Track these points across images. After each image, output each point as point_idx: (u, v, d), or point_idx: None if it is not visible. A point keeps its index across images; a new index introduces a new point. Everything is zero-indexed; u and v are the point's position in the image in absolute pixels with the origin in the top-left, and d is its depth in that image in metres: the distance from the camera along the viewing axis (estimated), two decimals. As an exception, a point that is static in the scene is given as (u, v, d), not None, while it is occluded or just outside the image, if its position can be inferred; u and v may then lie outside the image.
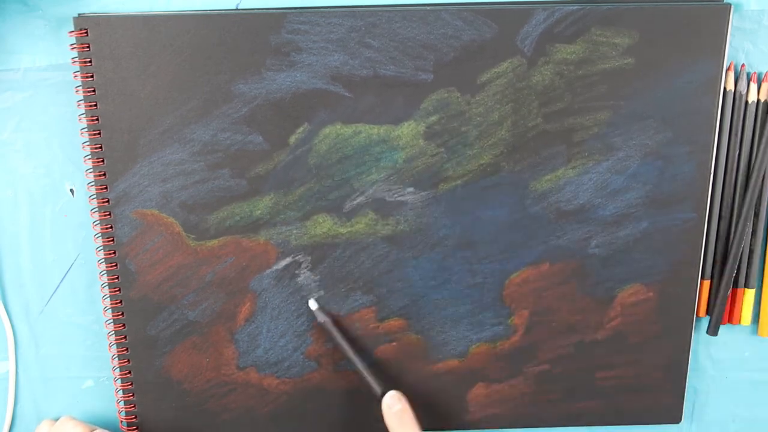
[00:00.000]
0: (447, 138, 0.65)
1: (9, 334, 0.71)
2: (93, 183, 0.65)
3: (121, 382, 0.69)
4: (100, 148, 0.64)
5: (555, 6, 0.62)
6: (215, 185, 0.65)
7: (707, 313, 0.71)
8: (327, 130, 0.64)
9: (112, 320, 0.68)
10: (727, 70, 0.65)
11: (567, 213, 0.66)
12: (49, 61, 0.65)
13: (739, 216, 0.68)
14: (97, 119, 0.64)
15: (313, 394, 0.70)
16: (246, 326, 0.68)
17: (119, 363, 0.69)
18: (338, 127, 0.64)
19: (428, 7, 0.62)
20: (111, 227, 0.66)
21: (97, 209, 0.66)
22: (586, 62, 0.63)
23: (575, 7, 0.62)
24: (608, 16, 0.62)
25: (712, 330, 0.71)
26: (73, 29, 0.63)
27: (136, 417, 0.71)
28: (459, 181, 0.66)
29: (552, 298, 0.69)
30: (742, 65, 0.65)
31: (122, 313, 0.68)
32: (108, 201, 0.65)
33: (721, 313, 0.70)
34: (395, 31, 0.63)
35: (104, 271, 0.67)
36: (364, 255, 0.67)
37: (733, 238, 0.68)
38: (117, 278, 0.67)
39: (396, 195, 0.66)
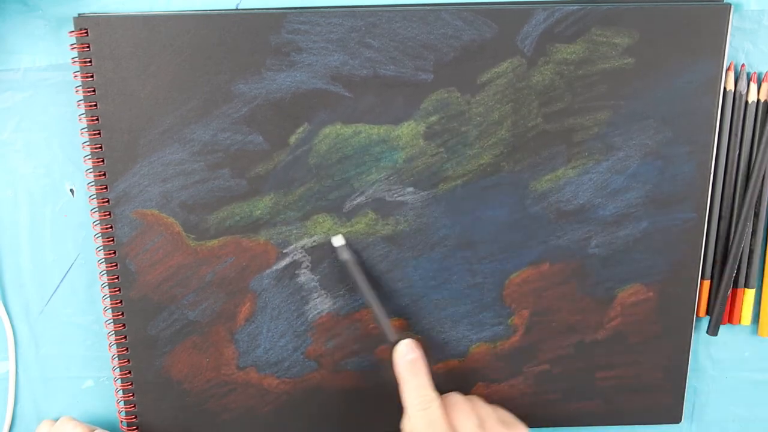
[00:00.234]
0: (447, 138, 0.65)
1: (9, 334, 0.71)
2: (93, 183, 0.65)
3: (121, 382, 0.69)
4: (100, 148, 0.64)
5: (555, 6, 0.62)
6: (215, 185, 0.65)
7: (707, 313, 0.71)
8: (327, 130, 0.64)
9: (112, 320, 0.68)
10: (727, 70, 0.65)
11: (567, 213, 0.67)
12: (49, 61, 0.65)
13: (739, 216, 0.68)
14: (97, 119, 0.64)
15: (313, 394, 0.70)
16: (246, 326, 0.68)
17: (119, 363, 0.69)
18: (338, 127, 0.64)
19: (428, 7, 0.62)
20: (111, 227, 0.66)
21: (97, 209, 0.66)
22: (586, 62, 0.63)
23: (575, 7, 0.62)
24: (608, 16, 0.62)
25: (712, 330, 0.71)
26: (73, 29, 0.63)
27: (136, 417, 0.71)
28: (459, 181, 0.66)
29: (552, 298, 0.69)
30: (742, 65, 0.65)
31: (122, 313, 0.68)
32: (108, 201, 0.65)
33: (721, 313, 0.70)
34: (395, 31, 0.63)
35: (104, 271, 0.67)
36: (364, 255, 0.67)
37: (733, 238, 0.68)
38: (117, 278, 0.67)
39: (396, 195, 0.66)
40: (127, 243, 0.66)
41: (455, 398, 0.65)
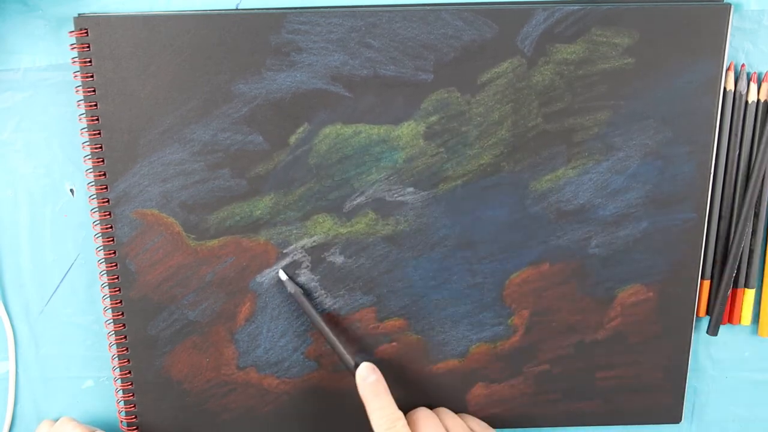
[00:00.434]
0: (447, 138, 0.65)
1: (9, 334, 0.71)
2: (93, 183, 0.65)
3: (121, 382, 0.69)
4: (100, 148, 0.64)
5: (555, 6, 0.62)
6: (215, 185, 0.65)
7: (707, 313, 0.71)
8: (327, 130, 0.64)
9: (112, 320, 0.68)
10: (727, 70, 0.65)
11: (567, 213, 0.67)
12: (49, 61, 0.65)
13: (739, 216, 0.68)
14: (97, 119, 0.64)
15: (313, 394, 0.70)
16: (246, 326, 0.68)
17: (119, 363, 0.69)
18: (338, 127, 0.64)
19: (428, 7, 0.62)
20: (111, 227, 0.66)
21: (97, 209, 0.66)
22: (586, 62, 0.63)
23: (575, 7, 0.62)
24: (608, 16, 0.62)
25: (712, 330, 0.71)
26: (73, 29, 0.63)
27: (136, 417, 0.71)
28: (459, 181, 0.66)
29: (552, 298, 0.69)
30: (742, 65, 0.65)
31: (122, 313, 0.68)
32: (108, 201, 0.65)
33: (721, 313, 0.70)
34: (395, 31, 0.63)
35: (104, 271, 0.67)
36: (364, 255, 0.67)
37: (733, 238, 0.68)
38: (117, 278, 0.67)
39: (396, 195, 0.66)
40: (127, 243, 0.66)
41: (421, 413, 0.66)
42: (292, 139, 0.64)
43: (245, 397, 0.70)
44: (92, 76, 0.63)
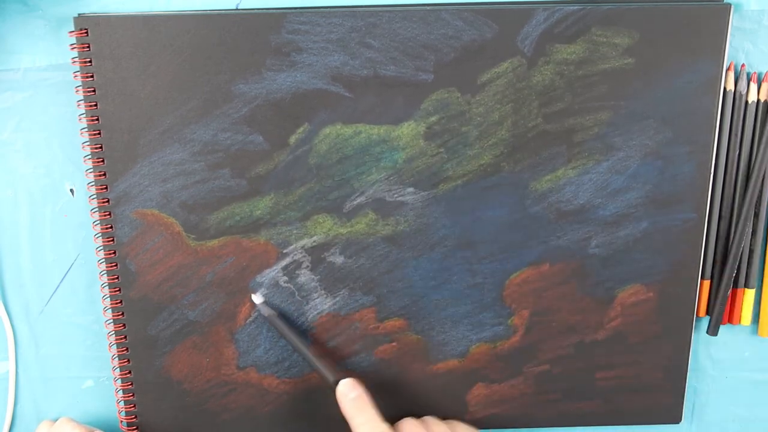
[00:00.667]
0: (447, 138, 0.65)
1: (9, 334, 0.71)
2: (93, 183, 0.65)
3: (121, 382, 0.69)
4: (100, 148, 0.64)
5: (555, 6, 0.62)
6: (215, 185, 0.65)
7: (707, 313, 0.71)
8: (327, 130, 0.64)
9: (112, 320, 0.68)
10: (727, 70, 0.65)
11: (567, 213, 0.67)
12: (49, 61, 0.65)
13: (739, 216, 0.68)
14: (97, 119, 0.64)
15: (313, 394, 0.70)
16: (246, 326, 0.68)
17: (119, 363, 0.69)
18: (338, 127, 0.64)
19: (428, 8, 0.62)
20: (111, 227, 0.66)
21: (97, 209, 0.66)
22: (587, 62, 0.63)
23: (575, 7, 0.62)
24: (608, 16, 0.62)
25: (712, 330, 0.71)
26: (73, 29, 0.63)
27: (136, 417, 0.71)
28: (459, 182, 0.66)
29: (552, 299, 0.69)
30: (742, 65, 0.65)
31: (122, 313, 0.68)
32: (108, 201, 0.65)
33: (721, 313, 0.70)
34: (395, 31, 0.63)
35: (104, 271, 0.67)
36: (364, 255, 0.67)
37: (733, 238, 0.68)
38: (117, 278, 0.67)
39: (396, 195, 0.66)
40: (128, 243, 0.66)
41: (408, 424, 0.66)
42: (293, 139, 0.64)
43: (245, 397, 0.70)
44: (92, 76, 0.63)
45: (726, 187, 0.68)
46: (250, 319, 0.68)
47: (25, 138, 0.67)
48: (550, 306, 0.69)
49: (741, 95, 0.65)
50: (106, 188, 0.65)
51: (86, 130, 0.64)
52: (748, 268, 0.70)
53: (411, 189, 0.66)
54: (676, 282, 0.68)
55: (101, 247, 0.67)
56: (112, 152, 0.64)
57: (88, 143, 0.64)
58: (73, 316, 0.70)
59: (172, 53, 0.63)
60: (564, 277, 0.68)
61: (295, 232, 0.66)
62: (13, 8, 0.65)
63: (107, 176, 0.65)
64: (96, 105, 0.64)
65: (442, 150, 0.65)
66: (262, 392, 0.70)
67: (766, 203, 0.68)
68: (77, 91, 0.64)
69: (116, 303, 0.68)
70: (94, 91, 0.63)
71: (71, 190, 0.68)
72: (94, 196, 0.65)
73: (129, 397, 0.70)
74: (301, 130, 0.64)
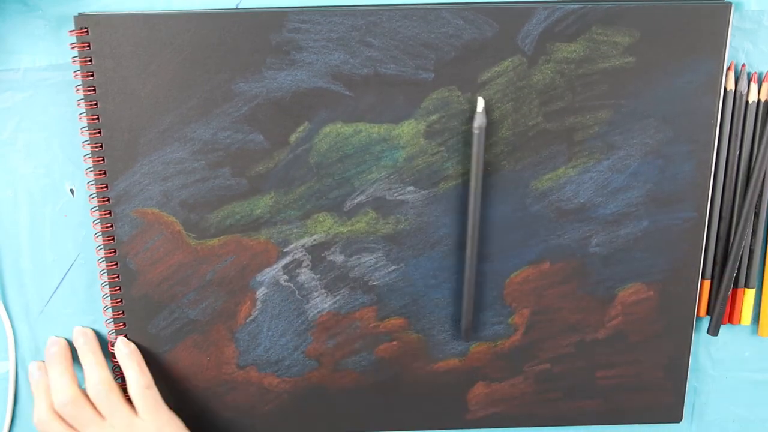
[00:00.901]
0: (447, 137, 0.65)
1: (9, 334, 0.71)
2: (93, 182, 0.65)
3: (121, 381, 0.69)
4: (101, 146, 0.64)
5: (556, 5, 0.62)
6: (216, 184, 0.65)
7: (707, 313, 0.71)
8: (327, 128, 0.64)
9: (112, 319, 0.68)
10: (728, 70, 0.65)
11: (567, 212, 0.67)
12: (49, 61, 0.65)
13: (739, 216, 0.68)
14: (98, 118, 0.64)
15: (313, 393, 0.70)
16: (246, 325, 0.68)
17: (120, 362, 0.69)
18: (339, 125, 0.64)
19: (429, 6, 0.62)
20: (111, 226, 0.66)
21: (97, 208, 0.65)
22: (587, 61, 0.63)
23: (576, 5, 0.62)
24: (609, 15, 0.62)
25: (713, 330, 0.71)
26: (73, 28, 0.63)
27: (136, 416, 0.71)
28: (459, 180, 0.65)
29: (552, 297, 0.69)
30: (743, 65, 0.66)
31: (122, 312, 0.68)
32: (108, 200, 0.65)
33: (722, 313, 0.70)
34: (396, 29, 0.63)
35: (104, 270, 0.67)
36: (364, 254, 0.67)
37: (734, 238, 0.68)
38: (117, 277, 0.67)
39: (396, 194, 0.66)
40: (128, 242, 0.66)
41: None
42: (293, 138, 0.64)
43: (246, 395, 0.70)
44: (92, 75, 0.63)
45: (726, 188, 0.68)
46: (251, 317, 0.68)
47: (25, 138, 0.67)
48: (551, 305, 0.69)
49: (741, 95, 0.66)
50: (107, 187, 0.65)
51: (86, 129, 0.64)
52: (748, 268, 0.70)
53: (411, 188, 0.66)
54: (676, 281, 0.68)
55: (101, 246, 0.67)
56: (112, 151, 0.64)
57: (88, 142, 0.64)
58: (73, 316, 0.70)
59: (172, 52, 0.63)
60: (564, 275, 0.68)
61: (295, 230, 0.66)
62: (13, 8, 0.64)
63: (107, 175, 0.65)
64: (96, 104, 0.64)
65: (442, 149, 0.65)
66: (263, 391, 0.70)
67: (766, 204, 0.68)
68: (77, 90, 0.64)
69: (116, 302, 0.68)
70: (94, 90, 0.63)
71: (71, 190, 0.68)
72: (94, 195, 0.65)
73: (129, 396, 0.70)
74: (301, 128, 0.64)
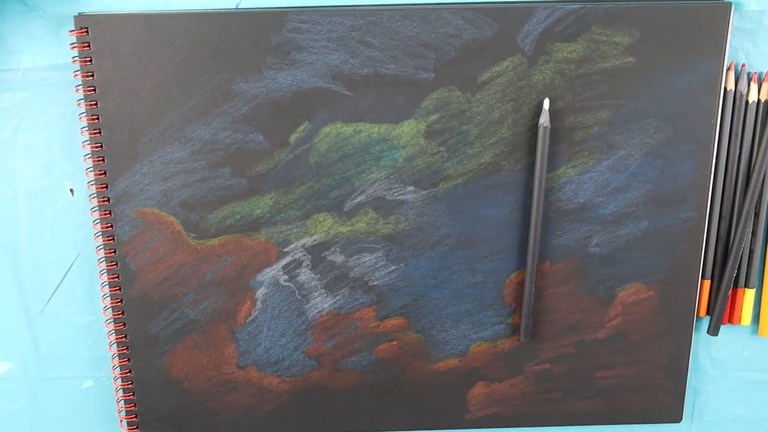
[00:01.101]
0: (447, 137, 0.65)
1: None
2: (93, 182, 0.65)
3: (122, 381, 0.69)
4: (101, 146, 0.64)
5: (556, 5, 0.62)
6: (216, 184, 0.65)
7: (708, 313, 0.71)
8: (327, 128, 0.64)
9: (112, 319, 0.68)
10: (728, 70, 0.65)
11: (567, 212, 0.67)
12: (49, 61, 0.65)
13: (739, 216, 0.68)
14: (98, 118, 0.64)
15: (313, 393, 0.70)
16: (246, 325, 0.68)
17: (119, 362, 0.69)
18: (339, 125, 0.64)
19: (429, 6, 0.62)
20: (111, 226, 0.66)
21: (97, 208, 0.65)
22: (587, 61, 0.63)
23: (576, 5, 0.62)
24: (609, 15, 0.62)
25: (713, 330, 0.71)
26: (73, 28, 0.62)
27: (136, 416, 0.70)
28: (459, 180, 0.65)
29: (552, 297, 0.69)
30: (743, 65, 0.65)
31: (122, 312, 0.68)
32: (108, 200, 0.65)
33: (722, 313, 0.70)
34: (396, 29, 0.63)
35: (104, 270, 0.67)
36: (364, 254, 0.67)
37: (734, 238, 0.68)
38: (117, 277, 0.67)
39: (396, 194, 0.66)
40: (128, 242, 0.66)
41: None
42: (293, 138, 0.64)
43: (245, 396, 0.70)
44: (92, 75, 0.63)
45: (726, 188, 0.68)
46: (251, 317, 0.68)
47: (25, 138, 0.67)
48: (551, 305, 0.69)
49: (741, 95, 0.65)
50: (107, 187, 0.65)
51: (86, 129, 0.64)
52: (748, 268, 0.70)
53: (411, 188, 0.66)
54: (676, 281, 0.68)
55: (101, 246, 0.66)
56: (112, 151, 0.64)
57: (88, 142, 0.64)
58: (73, 316, 0.70)
59: (172, 52, 0.63)
60: (564, 276, 0.68)
61: (295, 230, 0.66)
62: (13, 8, 0.64)
63: (107, 175, 0.65)
64: (96, 104, 0.64)
65: (442, 149, 0.65)
66: (262, 391, 0.70)
67: (766, 203, 0.68)
68: (77, 90, 0.64)
69: (116, 302, 0.68)
70: (94, 89, 0.63)
71: (71, 190, 0.68)
72: (94, 195, 0.65)
73: (129, 396, 0.70)
74: (301, 128, 0.64)
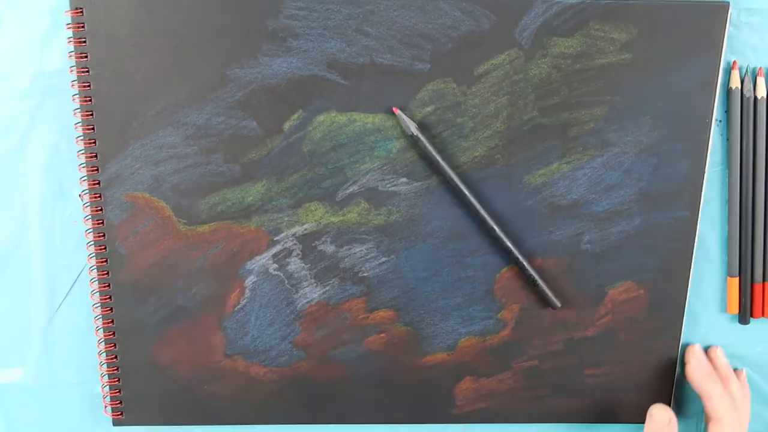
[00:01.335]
0: (442, 129, 0.65)
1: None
2: (84, 164, 0.65)
3: (107, 367, 0.69)
4: (92, 129, 0.64)
5: (554, -1, 0.62)
6: (208, 170, 0.65)
7: (739, 310, 0.71)
8: (321, 117, 0.64)
9: (99, 304, 0.68)
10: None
11: (560, 208, 0.66)
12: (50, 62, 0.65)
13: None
14: (90, 99, 0.63)
15: (300, 383, 0.70)
16: (235, 313, 0.68)
17: (105, 347, 0.68)
18: (333, 114, 0.64)
19: (427, -3, 0.62)
20: (101, 209, 0.65)
21: (87, 191, 0.65)
22: (584, 56, 0.63)
23: (574, 0, 0.62)
24: (607, 11, 0.62)
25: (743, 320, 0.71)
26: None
27: (121, 402, 0.70)
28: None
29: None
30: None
31: (110, 297, 0.67)
32: (98, 183, 0.65)
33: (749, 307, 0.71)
34: (393, 19, 0.62)
35: (93, 254, 0.66)
36: (355, 244, 0.67)
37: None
38: (105, 261, 0.67)
39: (389, 185, 0.66)
40: (117, 226, 0.66)
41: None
42: (287, 126, 0.64)
43: (232, 384, 0.70)
44: (86, 56, 0.63)
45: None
46: (239, 306, 0.68)
47: (31, 143, 0.66)
48: (541, 301, 0.68)
49: (739, 92, 0.65)
50: (98, 170, 0.65)
51: (79, 110, 0.64)
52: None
53: (404, 179, 0.66)
54: (667, 280, 0.68)
55: (90, 230, 0.66)
56: (104, 133, 0.64)
57: (80, 124, 0.64)
58: (83, 321, 0.70)
59: (167, 35, 0.62)
60: (555, 272, 0.68)
61: (286, 219, 0.66)
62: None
63: (98, 158, 0.64)
64: (89, 85, 0.63)
65: (436, 141, 0.65)
66: (249, 380, 0.70)
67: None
68: (71, 70, 0.63)
69: (104, 286, 0.67)
70: (87, 71, 0.63)
71: (80, 196, 0.67)
72: (85, 177, 0.65)
73: (115, 382, 0.69)
74: (295, 116, 0.64)
